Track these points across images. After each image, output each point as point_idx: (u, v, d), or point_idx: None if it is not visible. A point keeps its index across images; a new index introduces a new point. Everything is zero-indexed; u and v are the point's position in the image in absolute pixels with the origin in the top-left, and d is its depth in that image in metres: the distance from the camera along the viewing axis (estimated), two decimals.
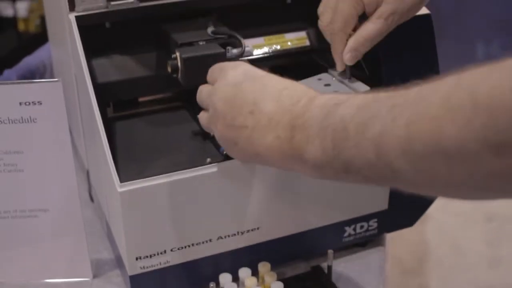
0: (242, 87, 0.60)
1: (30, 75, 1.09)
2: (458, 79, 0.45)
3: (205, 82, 0.72)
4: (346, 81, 0.76)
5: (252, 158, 0.61)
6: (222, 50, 0.74)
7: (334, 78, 0.77)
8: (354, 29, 0.71)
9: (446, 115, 0.44)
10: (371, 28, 0.69)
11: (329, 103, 0.54)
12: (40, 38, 1.08)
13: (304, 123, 0.55)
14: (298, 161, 0.56)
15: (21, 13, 1.99)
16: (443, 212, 1.79)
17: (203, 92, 0.66)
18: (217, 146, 0.72)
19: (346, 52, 0.71)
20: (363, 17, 0.71)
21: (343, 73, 0.77)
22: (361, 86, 0.75)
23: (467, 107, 0.42)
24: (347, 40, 0.71)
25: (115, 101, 0.80)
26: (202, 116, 0.66)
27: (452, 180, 0.46)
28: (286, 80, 0.61)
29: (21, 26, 1.99)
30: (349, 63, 0.72)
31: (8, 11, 2.01)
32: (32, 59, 1.12)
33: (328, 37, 0.73)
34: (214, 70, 0.65)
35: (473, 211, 1.82)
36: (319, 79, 0.78)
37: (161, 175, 0.68)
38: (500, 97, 0.41)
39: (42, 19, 1.77)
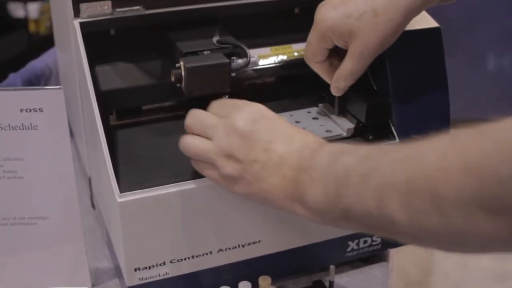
0: (260, 125, 0.62)
1: (36, 79, 1.08)
2: (452, 140, 0.48)
3: (209, 92, 0.71)
4: (333, 116, 0.79)
5: (255, 193, 0.62)
6: (227, 60, 0.73)
7: (322, 113, 0.80)
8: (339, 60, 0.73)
9: (441, 177, 0.46)
10: (348, 67, 0.71)
11: (335, 151, 0.57)
12: (50, 39, 1.07)
13: (310, 166, 0.58)
14: (300, 203, 0.59)
15: (32, 14, 2.00)
16: None
17: (209, 122, 0.64)
18: None
19: (332, 88, 0.74)
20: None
21: (332, 109, 0.79)
22: (346, 123, 0.77)
23: (458, 171, 0.45)
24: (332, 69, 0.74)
25: (118, 109, 0.79)
26: (203, 145, 0.64)
27: (448, 236, 0.48)
28: (297, 126, 0.65)
29: (32, 28, 1.99)
30: (337, 95, 0.75)
31: (19, 13, 2.02)
32: (38, 63, 1.12)
33: None
34: (226, 105, 0.66)
35: None
36: (308, 112, 0.81)
37: (161, 186, 0.67)
38: (489, 168, 0.43)
39: None
